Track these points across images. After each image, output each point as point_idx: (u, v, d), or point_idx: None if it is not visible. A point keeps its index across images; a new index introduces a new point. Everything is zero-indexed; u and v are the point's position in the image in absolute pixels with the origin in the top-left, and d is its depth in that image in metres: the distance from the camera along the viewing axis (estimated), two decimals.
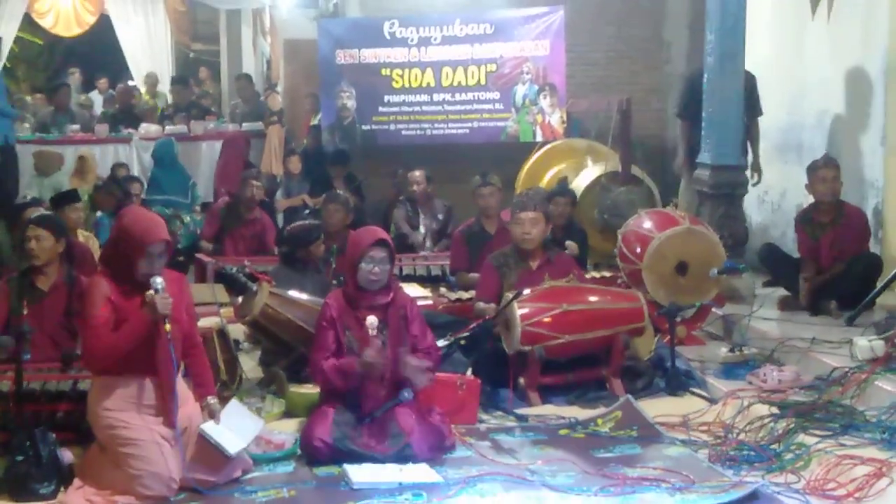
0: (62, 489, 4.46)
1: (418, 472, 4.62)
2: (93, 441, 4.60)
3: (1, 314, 5.59)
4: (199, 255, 8.70)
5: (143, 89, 15.47)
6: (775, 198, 9.19)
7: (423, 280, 8.27)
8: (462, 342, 6.02)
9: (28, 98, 14.01)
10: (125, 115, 13.07)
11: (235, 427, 4.64)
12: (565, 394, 5.90)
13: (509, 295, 5.89)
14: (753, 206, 8.99)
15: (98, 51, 17.14)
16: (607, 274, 7.65)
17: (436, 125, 11.20)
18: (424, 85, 11.13)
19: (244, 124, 12.59)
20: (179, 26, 16.09)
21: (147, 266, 4.47)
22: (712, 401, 5.69)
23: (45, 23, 15.81)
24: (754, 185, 8.44)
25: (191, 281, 7.74)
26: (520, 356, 5.84)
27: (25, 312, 5.51)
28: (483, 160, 10.33)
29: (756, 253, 7.81)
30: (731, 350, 6.39)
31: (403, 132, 11.27)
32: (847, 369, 5.56)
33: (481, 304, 6.34)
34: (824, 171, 7.07)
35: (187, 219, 10.47)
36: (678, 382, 5.95)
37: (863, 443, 4.75)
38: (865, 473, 4.35)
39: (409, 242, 9.22)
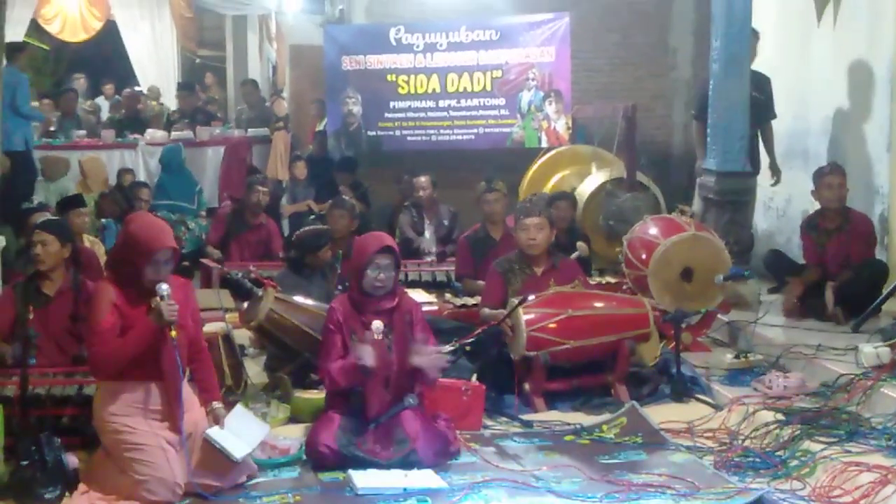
0: (67, 494, 4.46)
1: (423, 478, 4.61)
2: (98, 446, 4.60)
3: (7, 319, 5.60)
4: (204, 261, 8.72)
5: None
6: (781, 204, 9.19)
7: (429, 286, 8.27)
8: (467, 348, 6.01)
9: (35, 103, 14.02)
10: (131, 120, 13.10)
11: (241, 432, 4.64)
12: (570, 400, 5.89)
13: (515, 301, 5.89)
14: (759, 213, 8.98)
15: (104, 57, 17.17)
16: (612, 280, 7.65)
17: (441, 131, 11.20)
18: (430, 91, 11.13)
19: (250, 130, 12.63)
20: (185, 32, 16.10)
21: (153, 272, 4.47)
22: (717, 407, 5.69)
23: (52, 28, 15.85)
24: (773, 185, 8.45)
25: (196, 286, 7.75)
26: (525, 362, 5.84)
27: (31, 317, 5.52)
28: (488, 166, 10.33)
29: (762, 259, 7.81)
30: (737, 356, 6.38)
31: (409, 138, 11.27)
32: (853, 376, 5.55)
33: (486, 311, 6.34)
34: (830, 178, 7.07)
35: (192, 225, 10.49)
36: (683, 389, 5.94)
37: (868, 450, 4.74)
38: (871, 480, 4.34)
39: (415, 248, 9.23)
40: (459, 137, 11.18)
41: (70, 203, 7.93)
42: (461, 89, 11.07)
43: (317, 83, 12.87)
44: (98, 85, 16.74)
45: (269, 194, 9.51)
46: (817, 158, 8.28)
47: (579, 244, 7.86)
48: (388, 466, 4.69)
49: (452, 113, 11.14)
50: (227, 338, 5.96)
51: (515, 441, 5.30)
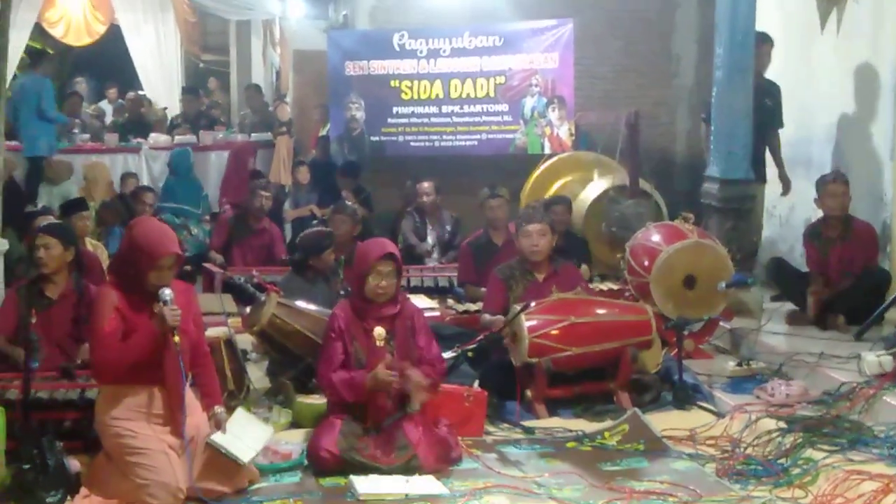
0: (69, 498, 4.46)
1: (424, 484, 4.61)
2: (100, 450, 4.59)
3: (10, 322, 5.61)
4: (207, 265, 8.72)
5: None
6: (784, 212, 9.18)
7: (431, 291, 8.27)
8: (469, 354, 6.03)
9: None
10: (135, 124, 13.11)
11: (244, 435, 4.64)
12: (572, 406, 5.89)
13: (517, 307, 5.89)
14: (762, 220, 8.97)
15: (108, 60, 17.17)
16: (614, 286, 7.64)
17: (444, 137, 11.21)
18: (433, 97, 11.14)
19: (253, 134, 12.64)
20: (189, 37, 16.10)
21: (157, 278, 4.47)
22: (720, 415, 5.68)
23: (56, 32, 15.84)
24: (783, 195, 8.45)
25: (199, 291, 7.75)
26: (527, 368, 5.83)
27: (34, 321, 5.52)
28: (491, 172, 10.35)
29: (764, 267, 7.80)
30: (739, 364, 6.38)
31: (412, 144, 11.28)
32: (855, 384, 5.55)
33: (488, 317, 6.34)
34: (834, 186, 7.07)
35: (196, 230, 10.50)
36: (685, 396, 5.93)
37: (871, 458, 4.74)
38: (873, 489, 4.33)
39: (417, 253, 9.23)
40: (462, 143, 11.19)
41: (73, 207, 7.94)
42: (464, 95, 11.08)
43: (320, 88, 12.88)
44: (101, 89, 16.75)
45: (271, 199, 9.52)
46: (821, 166, 8.28)
47: (583, 267, 7.85)
48: (389, 472, 4.69)
49: (455, 119, 11.15)
50: (230, 342, 5.96)
51: (517, 447, 5.29)
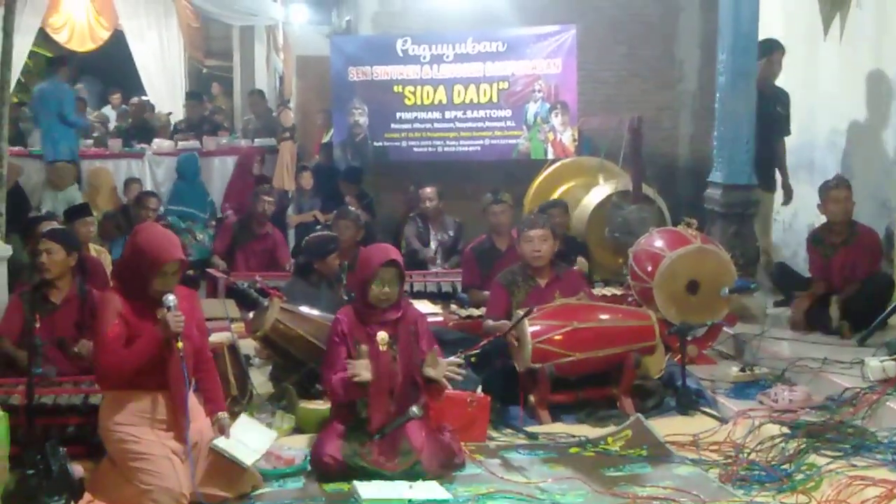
0: (73, 503, 4.47)
1: (428, 490, 4.61)
2: (104, 455, 4.60)
3: (14, 327, 5.62)
4: (210, 271, 8.72)
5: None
6: (787, 217, 9.18)
7: (434, 296, 8.27)
8: (472, 359, 6.02)
9: None
10: (138, 129, 13.12)
11: (247, 440, 4.65)
12: (576, 412, 5.89)
13: (520, 312, 5.89)
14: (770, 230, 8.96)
15: (112, 66, 17.21)
16: (617, 292, 7.64)
17: (448, 142, 11.20)
18: (436, 102, 11.13)
19: (256, 140, 12.64)
20: (193, 42, 16.15)
21: (160, 284, 4.48)
22: (723, 420, 5.67)
23: (60, 38, 15.88)
24: (784, 204, 8.44)
25: (202, 296, 7.77)
26: (530, 374, 5.84)
27: (38, 326, 5.53)
28: (494, 177, 10.33)
29: (767, 271, 7.80)
30: (742, 369, 6.38)
31: (415, 149, 11.27)
32: (859, 390, 5.56)
33: (490, 322, 6.34)
34: (836, 192, 7.07)
35: (201, 235, 10.52)
36: (689, 401, 5.93)
37: (874, 464, 4.74)
38: (876, 495, 4.33)
39: (420, 258, 9.23)
40: (465, 149, 11.17)
41: (76, 212, 7.94)
42: (467, 101, 11.07)
43: (323, 94, 12.88)
44: (105, 94, 16.78)
45: (274, 204, 9.53)
46: (824, 172, 8.28)
47: (579, 259, 7.85)
48: (392, 478, 4.70)
49: (459, 124, 11.14)
50: (233, 348, 5.96)
51: (520, 453, 5.30)
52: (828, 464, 4.74)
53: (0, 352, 5.69)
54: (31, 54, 14.28)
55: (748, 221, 7.90)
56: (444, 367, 4.96)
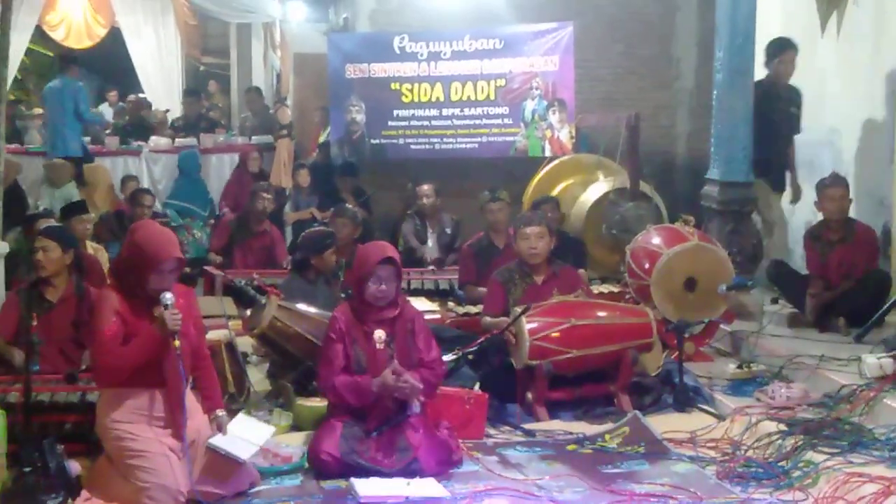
0: (70, 501, 4.47)
1: (425, 487, 4.61)
2: (101, 453, 4.60)
3: (10, 325, 5.61)
4: (207, 268, 8.72)
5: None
6: (785, 214, 9.17)
7: (431, 294, 8.27)
8: (470, 357, 6.03)
9: (39, 110, 14.03)
10: (135, 127, 13.11)
11: (244, 436, 4.64)
12: (573, 409, 5.90)
13: (517, 309, 5.89)
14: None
15: (109, 63, 17.18)
16: (615, 289, 7.64)
17: (445, 140, 11.21)
18: (434, 99, 11.13)
19: (253, 137, 12.63)
20: (190, 39, 16.09)
21: (158, 282, 4.47)
22: (720, 417, 5.69)
23: (57, 35, 15.82)
24: (792, 203, 8.42)
25: (199, 293, 7.76)
26: (528, 371, 5.84)
27: (35, 323, 5.52)
28: (492, 175, 10.34)
29: (764, 269, 7.80)
30: (740, 366, 6.38)
31: (412, 146, 11.27)
32: (856, 387, 5.55)
33: (488, 319, 6.35)
34: (832, 190, 7.07)
35: (199, 233, 10.52)
36: (686, 398, 5.94)
37: (871, 461, 4.74)
38: (874, 492, 4.33)
39: (418, 256, 9.23)
40: (463, 146, 11.18)
41: (73, 210, 7.93)
42: (465, 98, 11.08)
43: (320, 91, 12.88)
44: (102, 92, 16.75)
45: (273, 202, 9.52)
46: (821, 169, 8.25)
47: (580, 272, 7.84)
48: (390, 475, 4.70)
49: (456, 121, 11.14)
50: (230, 345, 5.97)
51: (518, 450, 5.30)
52: (825, 460, 4.74)
53: None
54: (28, 52, 14.26)
55: (745, 219, 7.90)
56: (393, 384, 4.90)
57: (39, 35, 15.36)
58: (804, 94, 8.49)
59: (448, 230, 9.48)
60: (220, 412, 4.69)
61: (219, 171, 12.05)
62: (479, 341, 6.02)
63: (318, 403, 5.47)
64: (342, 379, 4.92)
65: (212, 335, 5.72)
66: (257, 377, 6.38)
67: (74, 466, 4.66)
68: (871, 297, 6.75)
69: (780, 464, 4.83)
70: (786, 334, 6.92)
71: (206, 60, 17.75)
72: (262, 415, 5.55)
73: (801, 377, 6.08)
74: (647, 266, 6.87)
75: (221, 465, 4.52)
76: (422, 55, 11.08)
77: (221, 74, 17.70)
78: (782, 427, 5.20)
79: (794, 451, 4.89)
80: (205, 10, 14.97)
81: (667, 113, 11.93)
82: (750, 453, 5.03)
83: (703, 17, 11.08)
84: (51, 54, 16.67)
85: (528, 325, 5.79)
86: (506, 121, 11.06)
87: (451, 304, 7.78)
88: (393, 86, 11.19)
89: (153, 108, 14.44)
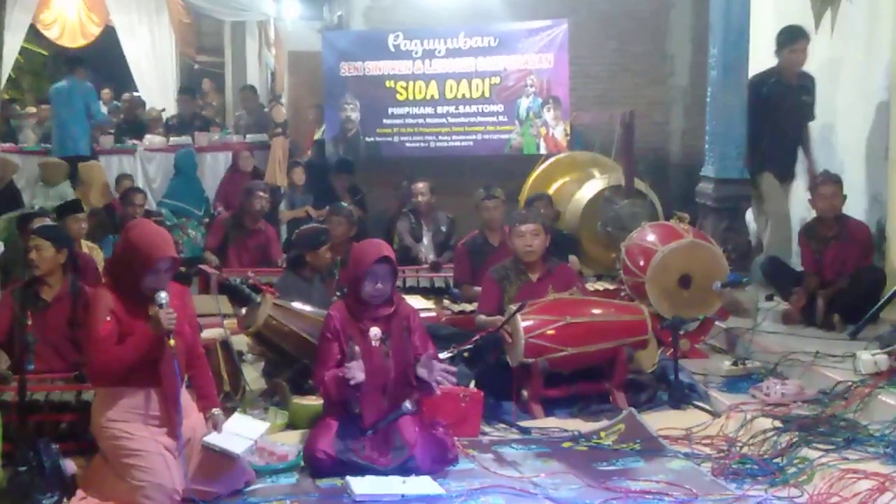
0: (65, 500, 4.46)
1: (421, 485, 4.61)
2: (96, 452, 4.59)
3: (4, 324, 5.60)
4: (202, 267, 8.70)
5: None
6: None
7: (427, 292, 8.27)
8: (465, 354, 6.03)
9: (32, 109, 14.03)
10: (130, 125, 13.09)
11: (239, 432, 4.63)
12: (568, 406, 5.90)
13: (513, 307, 5.90)
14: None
15: (103, 62, 17.16)
16: (610, 286, 7.65)
17: (440, 137, 11.20)
18: (428, 97, 11.13)
19: (248, 136, 12.62)
20: (184, 38, 16.09)
21: (153, 281, 4.46)
22: (715, 414, 5.69)
23: (51, 34, 15.82)
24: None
25: (194, 292, 7.75)
26: (523, 368, 5.84)
27: (29, 323, 5.52)
28: (487, 172, 10.34)
29: (759, 266, 7.81)
30: (735, 363, 6.39)
31: (407, 144, 11.27)
32: (850, 383, 5.56)
33: (482, 317, 6.35)
34: (824, 188, 7.08)
35: (193, 232, 10.51)
36: (681, 395, 5.94)
37: (866, 457, 4.75)
38: (868, 488, 4.34)
39: (413, 254, 9.23)
40: (458, 144, 11.18)
41: (68, 209, 7.92)
42: (459, 96, 11.08)
43: (315, 89, 12.87)
44: (96, 90, 16.71)
45: (269, 200, 9.51)
46: (816, 166, 8.27)
47: (571, 258, 7.86)
48: (385, 473, 4.69)
49: (451, 119, 11.14)
50: (226, 344, 5.96)
51: (513, 448, 5.30)
52: (820, 457, 4.75)
53: None
54: (22, 50, 14.24)
55: (740, 216, 7.91)
56: (437, 369, 4.94)
57: (33, 34, 15.35)
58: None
59: (443, 228, 9.48)
60: (216, 410, 4.68)
61: (213, 170, 12.04)
62: (474, 339, 6.01)
63: (314, 402, 5.47)
64: (330, 373, 4.91)
65: (207, 334, 5.72)
66: (252, 376, 6.38)
67: (70, 466, 4.65)
68: (866, 293, 6.76)
69: (775, 460, 4.83)
70: (780, 331, 6.93)
71: (201, 59, 17.75)
72: (258, 413, 5.55)
73: (795, 374, 6.09)
74: (642, 263, 6.88)
75: (217, 463, 4.52)
76: (416, 53, 11.08)
77: (216, 73, 17.68)
78: (777, 424, 5.21)
79: (789, 448, 4.90)
80: (199, 9, 14.97)
81: (661, 110, 11.95)
82: (745, 450, 5.04)
83: (697, 14, 11.10)
84: (45, 53, 16.66)
85: (523, 323, 5.79)
86: (500, 118, 11.05)
87: (446, 301, 7.79)
88: (387, 83, 11.19)
89: (148, 107, 14.43)
